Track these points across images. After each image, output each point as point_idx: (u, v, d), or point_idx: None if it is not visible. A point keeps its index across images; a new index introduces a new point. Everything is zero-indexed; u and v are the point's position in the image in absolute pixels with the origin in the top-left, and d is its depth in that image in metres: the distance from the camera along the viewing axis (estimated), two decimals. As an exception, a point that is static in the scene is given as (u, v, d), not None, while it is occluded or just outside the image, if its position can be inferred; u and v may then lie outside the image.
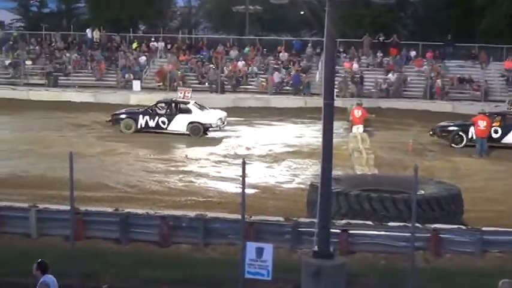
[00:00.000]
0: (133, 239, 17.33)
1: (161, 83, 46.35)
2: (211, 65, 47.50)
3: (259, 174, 24.88)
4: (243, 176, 13.23)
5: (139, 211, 18.14)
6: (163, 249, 16.86)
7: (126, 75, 46.79)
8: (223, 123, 33.87)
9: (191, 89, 37.97)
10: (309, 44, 50.34)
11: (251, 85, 46.56)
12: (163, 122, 33.15)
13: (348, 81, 44.51)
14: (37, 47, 51.74)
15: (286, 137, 32.80)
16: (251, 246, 12.59)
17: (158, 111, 33.62)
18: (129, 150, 28.91)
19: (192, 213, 17.77)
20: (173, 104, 33.93)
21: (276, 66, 47.73)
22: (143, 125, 33.27)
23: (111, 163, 26.34)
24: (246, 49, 51.37)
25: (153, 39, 52.58)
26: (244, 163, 13.28)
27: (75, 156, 13.90)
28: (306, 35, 59.63)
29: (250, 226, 16.13)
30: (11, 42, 52.79)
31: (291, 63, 48.02)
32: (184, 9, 72.88)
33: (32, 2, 67.84)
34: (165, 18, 66.70)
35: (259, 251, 12.44)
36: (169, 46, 51.63)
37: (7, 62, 48.92)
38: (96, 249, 16.63)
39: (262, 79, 46.44)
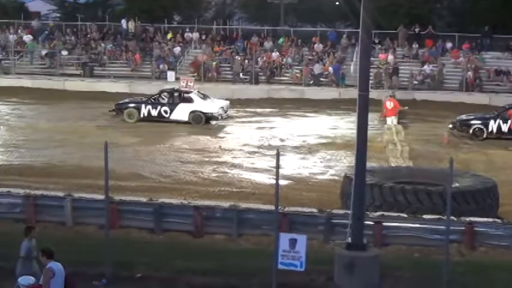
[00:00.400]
0: (167, 229, 17.42)
1: (195, 74, 46.41)
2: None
3: (293, 166, 24.85)
4: (277, 167, 13.21)
5: (173, 201, 18.25)
6: (197, 239, 16.94)
7: (161, 66, 46.93)
8: (226, 112, 34.34)
9: (194, 78, 38.19)
10: (344, 35, 50.03)
11: (285, 76, 46.43)
12: (166, 112, 33.63)
13: (383, 73, 44.19)
14: (73, 38, 52.07)
15: (320, 129, 32.70)
16: (284, 237, 12.57)
17: (161, 100, 34.13)
18: (163, 141, 29.02)
19: (225, 204, 17.81)
20: (175, 94, 34.41)
21: (310, 57, 47.53)
22: (146, 114, 33.70)
23: (146, 153, 26.48)
24: (281, 40, 51.20)
25: (187, 30, 52.59)
26: (278, 154, 13.25)
27: (110, 146, 14.00)
28: (341, 26, 59.24)
29: (283, 217, 16.13)
30: (47, 33, 53.24)
31: (326, 54, 47.79)
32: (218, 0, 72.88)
33: (68, -8, 68.31)
34: (199, 8, 66.69)
35: (293, 242, 12.41)
36: (203, 37, 51.60)
37: (43, 52, 49.30)
38: (130, 238, 16.75)
39: (296, 70, 46.31)
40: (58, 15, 66.52)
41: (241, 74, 46.27)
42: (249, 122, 34.67)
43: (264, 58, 47.38)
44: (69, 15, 63.15)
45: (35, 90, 43.02)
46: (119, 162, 22.34)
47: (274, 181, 13.73)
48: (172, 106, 33.67)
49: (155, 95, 34.55)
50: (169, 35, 52.19)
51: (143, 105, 33.82)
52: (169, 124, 33.01)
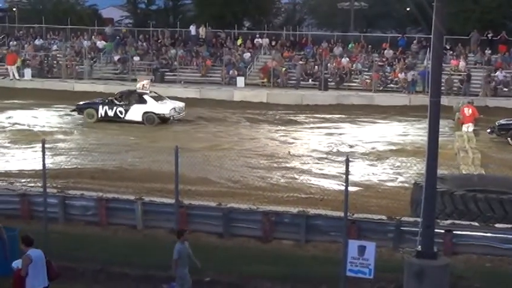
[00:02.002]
0: (235, 234, 17.49)
1: (265, 80, 46.58)
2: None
3: (362, 172, 24.67)
4: (347, 173, 13.16)
5: (242, 206, 18.30)
6: (265, 244, 16.96)
7: (231, 72, 47.25)
8: (179, 113, 35.38)
9: (150, 79, 38.85)
10: (414, 41, 49.54)
11: (355, 82, 46.21)
12: (121, 112, 34.65)
13: (454, 80, 43.58)
14: (145, 44, 52.89)
15: (389, 135, 32.41)
16: (353, 244, 12.50)
17: (116, 101, 34.93)
18: (232, 146, 29.18)
19: (294, 210, 17.79)
20: (131, 95, 35.35)
21: (380, 63, 47.20)
22: (103, 115, 34.76)
23: (215, 158, 26.64)
24: (350, 46, 51.04)
25: (257, 36, 52.86)
26: (347, 160, 13.20)
27: (179, 151, 14.14)
28: (411, 32, 58.73)
29: (352, 224, 16.04)
30: (118, 38, 54.19)
31: (396, 60, 47.39)
32: (288, 5, 73.01)
33: (140, -1, 69.43)
34: (269, 14, 66.97)
35: (361, 249, 12.34)
36: (273, 43, 51.81)
37: (116, 57, 50.20)
38: (198, 242, 16.80)
39: (366, 76, 46.04)
40: (130, 21, 67.75)
41: (310, 79, 46.26)
42: (318, 128, 34.58)
43: (334, 64, 47.25)
44: (141, 21, 64.24)
45: (108, 95, 43.68)
46: (189, 167, 22.48)
47: (342, 187, 13.67)
48: (127, 107, 34.75)
49: (113, 96, 35.63)
50: (239, 41, 52.55)
51: (100, 106, 34.90)
52: (236, 131, 33.16)
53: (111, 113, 34.63)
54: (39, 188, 18.03)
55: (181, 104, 36.09)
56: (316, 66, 47.08)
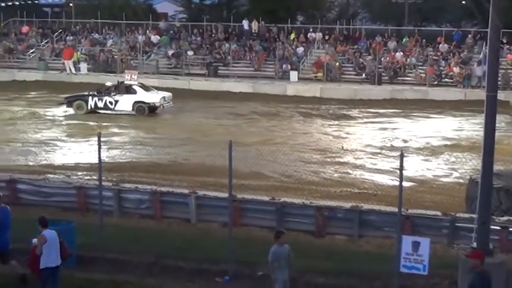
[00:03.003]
0: (289, 228, 17.44)
1: (318, 74, 46.44)
2: (370, 56, 47.14)
3: (416, 167, 24.46)
4: (401, 168, 13.07)
5: (295, 201, 18.30)
6: (318, 239, 16.93)
7: (284, 66, 47.20)
8: (168, 102, 36.24)
9: (137, 71, 39.54)
10: (470, 35, 48.84)
11: (409, 77, 45.77)
12: (111, 103, 35.30)
13: (510, 74, 42.85)
14: (198, 38, 53.17)
15: (444, 130, 32.05)
16: (407, 240, 12.42)
17: (106, 92, 35.49)
18: (286, 141, 29.17)
19: (347, 205, 17.73)
20: (120, 86, 35.75)
21: (435, 57, 46.66)
22: (93, 106, 35.48)
23: (268, 152, 26.66)
24: (405, 40, 50.56)
25: (310, 30, 52.69)
26: (402, 155, 13.11)
27: (233, 145, 14.18)
28: (466, 26, 57.91)
29: (406, 219, 15.92)
30: (172, 32, 54.58)
31: (451, 54, 46.80)
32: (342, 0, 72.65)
33: (194, -6, 69.75)
34: (323, 8, 66.72)
35: (416, 245, 12.25)
36: (326, 37, 51.61)
37: (170, 52, 50.56)
38: (251, 236, 16.90)
39: (420, 70, 45.56)
40: (184, 16, 68.06)
41: (363, 74, 45.99)
42: (372, 122, 34.38)
43: (388, 58, 46.87)
44: (195, 16, 64.51)
45: (162, 89, 44.04)
46: (242, 161, 22.52)
47: (396, 183, 13.58)
48: (117, 98, 35.33)
49: (101, 88, 36.32)
50: (292, 35, 52.46)
51: (90, 98, 35.47)
52: (289, 125, 33.17)
53: (101, 104, 35.36)
54: (95, 181, 18.29)
55: (169, 94, 36.80)
56: (369, 61, 46.73)
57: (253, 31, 53.64)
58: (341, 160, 25.82)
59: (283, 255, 12.35)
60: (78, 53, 50.72)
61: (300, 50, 49.56)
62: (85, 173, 22.71)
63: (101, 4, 63.99)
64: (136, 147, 27.68)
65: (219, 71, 48.04)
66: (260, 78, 46.90)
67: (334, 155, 26.73)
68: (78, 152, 26.34)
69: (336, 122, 34.12)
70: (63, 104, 36.05)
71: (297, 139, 29.70)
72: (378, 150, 27.62)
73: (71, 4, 65.63)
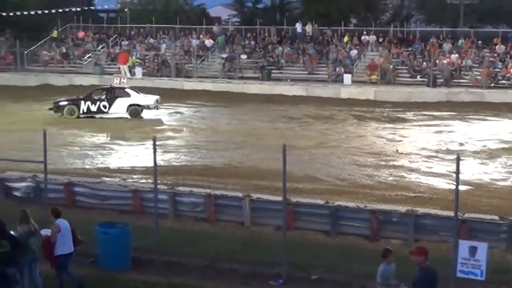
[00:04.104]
0: (343, 232, 17.44)
1: (372, 77, 46.17)
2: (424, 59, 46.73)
3: (473, 171, 24.13)
4: (457, 172, 12.92)
5: (349, 204, 18.22)
6: (372, 243, 16.82)
7: (337, 69, 47.04)
8: (159, 104, 36.13)
9: (126, 75, 39.69)
10: (528, 36, 48.07)
11: (464, 79, 45.17)
12: (105, 106, 35.20)
13: None
14: (252, 42, 53.31)
15: (501, 133, 31.55)
16: (464, 245, 12.26)
17: (99, 96, 35.41)
18: (339, 144, 29.06)
19: (402, 208, 17.59)
20: (112, 90, 35.70)
21: (491, 59, 46.00)
22: (85, 110, 35.29)
23: (322, 156, 26.62)
24: (460, 41, 49.95)
25: (364, 33, 52.44)
26: (458, 159, 12.96)
27: (287, 149, 14.18)
28: (524, 26, 56.99)
29: (462, 224, 15.71)
30: (225, 36, 54.80)
31: (508, 56, 46.06)
32: (396, 1, 72.08)
33: (247, -3, 70.04)
34: (376, 11, 66.33)
35: (473, 250, 12.09)
36: (380, 39, 51.29)
37: (223, 56, 50.80)
38: (305, 240, 16.91)
39: (476, 73, 44.95)
40: (238, 20, 68.33)
41: (418, 76, 45.58)
42: (426, 125, 34.04)
43: (443, 60, 46.34)
44: (248, 19, 64.73)
45: (216, 93, 44.40)
46: (296, 165, 22.57)
47: (452, 186, 13.43)
48: (110, 101, 35.28)
49: (91, 92, 36.29)
50: (345, 38, 52.25)
51: (82, 102, 35.29)
52: (343, 128, 33.04)
53: (94, 108, 35.33)
54: (150, 185, 18.47)
55: (159, 97, 36.72)
56: (424, 63, 46.31)
57: (306, 34, 53.58)
58: (396, 163, 25.61)
59: (391, 275, 12.00)
60: (133, 57, 51.30)
61: (354, 52, 49.34)
62: (140, 176, 22.92)
63: (155, 9, 64.67)
64: (190, 150, 27.86)
65: (272, 75, 48.08)
66: (313, 81, 46.82)
67: (388, 158, 26.52)
68: (133, 156, 26.62)
69: (391, 125, 33.86)
70: (51, 109, 35.63)
71: (351, 142, 29.56)
72: (434, 154, 27.31)
73: (126, 10, 66.43)
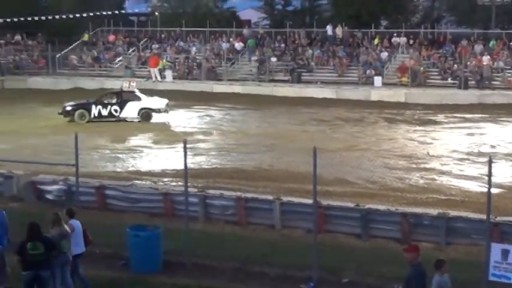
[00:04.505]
0: (373, 235, 17.37)
1: (403, 79, 45.94)
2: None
3: (505, 174, 23.88)
4: (489, 174, 12.82)
5: (380, 207, 18.15)
6: (403, 246, 16.71)
7: (368, 71, 46.86)
8: (169, 107, 36.36)
9: (135, 79, 39.47)
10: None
11: (496, 81, 44.79)
12: (116, 110, 35.14)
13: None
14: (282, 44, 53.30)
15: (534, 135, 31.27)
16: (496, 248, 12.17)
17: (109, 100, 35.39)
18: (370, 147, 28.96)
19: (433, 211, 17.49)
20: (123, 93, 35.63)
21: (523, 60, 45.59)
22: (96, 115, 35.20)
23: (352, 158, 26.55)
24: (492, 43, 49.51)
25: (395, 35, 52.19)
26: (490, 161, 12.86)
27: (317, 151, 14.16)
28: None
29: (495, 227, 15.59)
30: (253, 39, 54.80)
31: (541, 57, 45.63)
32: (426, 3, 71.63)
33: (277, 0, 69.94)
34: (407, 13, 65.98)
35: (505, 253, 11.99)
36: (411, 41, 51.00)
37: (253, 58, 50.83)
38: (336, 243, 16.87)
39: (508, 74, 44.55)
40: (268, 22, 68.34)
41: (449, 78, 45.27)
42: (458, 127, 33.80)
43: (474, 62, 45.99)
44: (278, 22, 64.72)
45: (246, 96, 44.48)
46: (326, 168, 22.55)
47: (484, 189, 13.33)
48: (122, 105, 35.22)
49: (101, 96, 36.27)
50: (376, 40, 52.03)
51: (93, 106, 35.17)
52: (373, 131, 32.92)
53: (105, 112, 35.26)
54: (181, 187, 18.54)
55: (167, 100, 36.86)
56: (455, 65, 45.99)
57: (336, 36, 53.46)
58: (427, 166, 25.46)
59: (446, 286, 11.64)
60: (164, 60, 51.54)
61: (384, 54, 49.13)
62: (171, 179, 23.04)
63: (186, 12, 64.88)
64: (221, 153, 27.92)
65: (302, 77, 48.04)
66: (343, 83, 46.69)
67: (419, 161, 26.37)
68: (164, 159, 26.74)
69: (422, 128, 33.66)
70: (61, 113, 35.45)
71: (381, 145, 29.44)
72: (465, 156, 27.12)
73: (156, 13, 66.77)
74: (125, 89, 36.60)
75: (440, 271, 11.55)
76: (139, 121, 35.19)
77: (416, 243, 16.63)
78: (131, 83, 37.28)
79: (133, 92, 36.36)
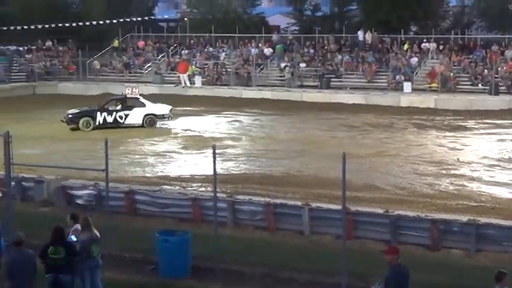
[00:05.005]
0: (403, 241, 17.26)
1: (432, 85, 45.68)
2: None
3: (536, 180, 23.68)
4: (520, 181, 12.69)
5: (409, 213, 18.06)
6: (433, 253, 16.65)
7: (397, 77, 46.64)
8: (172, 113, 36.40)
9: (138, 85, 39.04)
10: None
11: (527, 86, 44.38)
12: (121, 117, 35.00)
13: None
14: (311, 50, 53.25)
15: None
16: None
17: (114, 107, 35.12)
18: (399, 152, 28.81)
19: (463, 218, 17.36)
20: (127, 100, 35.46)
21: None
22: (101, 122, 34.87)
23: (381, 164, 26.44)
24: (523, 48, 49.07)
25: (424, 40, 51.92)
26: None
27: (346, 157, 14.11)
28: None
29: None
30: (282, 44, 54.78)
31: None
32: (456, 8, 71.16)
33: (306, 6, 69.89)
34: (437, 18, 65.58)
35: (536, 261, 11.85)
36: (441, 47, 50.69)
37: (282, 64, 50.83)
38: (365, 249, 16.79)
39: (540, 80, 44.13)
40: (297, 28, 68.27)
41: (480, 84, 44.93)
42: (488, 133, 33.55)
43: (505, 68, 45.60)
44: (307, 28, 64.64)
45: (275, 102, 44.49)
46: (355, 173, 22.46)
47: (516, 196, 13.15)
48: (126, 111, 35.09)
49: (105, 103, 35.91)
50: (405, 46, 51.76)
51: (98, 113, 34.86)
52: (403, 137, 32.76)
53: (110, 119, 35.03)
54: (210, 193, 18.58)
55: (171, 106, 36.88)
56: (486, 70, 45.64)
57: (365, 42, 53.30)
58: (457, 172, 25.28)
59: None
60: (193, 66, 51.73)
61: (414, 60, 48.88)
62: (200, 184, 23.10)
63: (215, 18, 65.05)
64: (249, 159, 27.95)
65: (331, 83, 47.96)
66: (373, 89, 46.53)
67: (449, 167, 26.19)
68: (193, 164, 26.82)
69: (451, 134, 33.45)
70: (63, 121, 34.87)
71: (411, 151, 29.29)
72: (496, 162, 26.90)
73: (185, 19, 67.02)
74: (128, 96, 36.47)
75: (501, 284, 11.31)
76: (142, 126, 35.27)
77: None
78: (133, 89, 37.13)
79: (137, 98, 36.37)
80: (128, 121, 35.36)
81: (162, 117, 35.97)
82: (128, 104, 35.80)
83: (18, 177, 20.69)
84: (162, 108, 36.36)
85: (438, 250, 16.78)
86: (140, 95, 37.25)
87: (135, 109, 35.59)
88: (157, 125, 35.79)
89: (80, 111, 35.49)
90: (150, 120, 35.58)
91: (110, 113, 35.27)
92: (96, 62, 54.47)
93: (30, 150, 27.30)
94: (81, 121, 34.72)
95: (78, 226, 13.74)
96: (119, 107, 35.70)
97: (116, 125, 35.03)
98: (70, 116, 35.06)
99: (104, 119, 35.05)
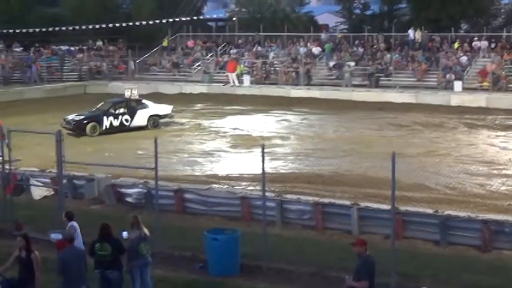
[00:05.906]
0: (453, 242, 17.10)
1: (484, 83, 45.07)
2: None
3: None
4: None
5: (460, 214, 17.87)
6: (484, 254, 16.45)
7: (447, 76, 46.11)
8: (173, 113, 36.61)
9: (136, 86, 38.14)
10: None
11: None
12: (127, 120, 34.57)
13: None
14: (360, 49, 52.99)
15: None
16: None
17: (119, 110, 34.60)
18: (449, 152, 28.51)
19: (515, 218, 17.12)
20: (130, 102, 35.06)
21: None
22: (108, 126, 34.13)
23: (431, 164, 26.17)
24: None
25: (475, 38, 51.25)
26: None
27: (396, 157, 14.02)
28: None
29: None
30: (331, 43, 54.61)
31: None
32: (509, 6, 70.12)
33: (355, 4, 69.61)
34: (488, 16, 64.72)
35: None
36: (492, 45, 49.99)
37: (331, 63, 50.67)
38: (414, 249, 16.69)
39: None
40: (345, 27, 68.04)
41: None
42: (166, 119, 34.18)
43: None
44: (357, 26, 64.36)
45: (323, 101, 44.32)
46: (405, 173, 22.27)
47: None
48: (132, 114, 34.84)
49: (109, 107, 34.85)
50: (456, 44, 51.17)
51: (104, 117, 34.05)
52: (453, 136, 32.39)
53: (116, 123, 34.28)
54: (258, 192, 18.60)
55: (172, 106, 36.93)
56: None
57: (416, 40, 52.83)
58: (509, 172, 24.90)
59: None
60: (242, 65, 51.84)
61: (464, 59, 48.26)
62: (248, 183, 23.16)
63: (263, 17, 65.17)
64: (298, 158, 27.93)
65: (380, 82, 47.62)
66: (423, 88, 46.07)
67: (501, 167, 25.82)
68: (241, 163, 26.89)
69: (503, 133, 32.96)
70: (65, 127, 32.01)
71: (461, 150, 28.94)
72: (548, 163, 26.46)
73: (234, 18, 67.25)
74: (128, 97, 35.94)
75: None
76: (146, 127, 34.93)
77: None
78: (133, 91, 36.64)
79: (140, 99, 36.25)
80: (134, 123, 34.93)
81: (165, 117, 36.08)
82: (132, 106, 35.40)
83: (69, 176, 21.05)
84: (165, 108, 36.42)
85: (489, 251, 16.56)
86: (140, 95, 37.26)
87: (139, 111, 35.34)
88: (159, 126, 35.69)
89: (84, 116, 34.14)
90: (154, 121, 35.52)
91: (115, 116, 34.51)
92: (131, 62, 54.74)
93: (79, 149, 27.73)
94: (88, 126, 33.45)
95: (74, 223, 14.16)
96: (123, 110, 35.07)
97: (122, 128, 34.40)
98: (74, 122, 33.56)
99: (111, 123, 34.27)
